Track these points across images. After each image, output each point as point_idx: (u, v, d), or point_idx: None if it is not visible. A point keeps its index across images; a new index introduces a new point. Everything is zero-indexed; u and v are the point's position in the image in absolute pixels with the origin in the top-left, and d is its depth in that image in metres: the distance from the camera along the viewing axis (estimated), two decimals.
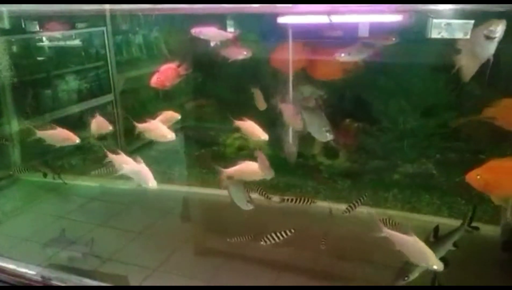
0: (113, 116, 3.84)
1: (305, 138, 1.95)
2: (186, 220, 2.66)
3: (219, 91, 2.51)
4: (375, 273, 2.03)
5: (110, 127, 2.16)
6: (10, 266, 2.05)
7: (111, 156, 1.90)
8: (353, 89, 2.60)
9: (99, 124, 2.19)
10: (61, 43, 3.87)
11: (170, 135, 1.92)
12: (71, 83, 3.75)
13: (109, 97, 3.94)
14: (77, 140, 2.02)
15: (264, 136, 1.92)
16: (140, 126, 2.03)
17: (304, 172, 1.90)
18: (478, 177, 1.54)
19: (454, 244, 1.69)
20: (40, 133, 2.07)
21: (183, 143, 2.47)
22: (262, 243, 1.93)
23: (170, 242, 2.41)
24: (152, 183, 1.74)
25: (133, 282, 2.05)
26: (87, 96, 3.81)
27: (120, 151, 1.89)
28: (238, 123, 1.99)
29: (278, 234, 1.92)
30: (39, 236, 2.42)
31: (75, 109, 3.68)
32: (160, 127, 1.95)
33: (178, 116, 2.15)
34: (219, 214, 2.60)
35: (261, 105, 2.28)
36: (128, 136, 3.49)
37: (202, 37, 1.79)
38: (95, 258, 2.16)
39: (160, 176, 2.64)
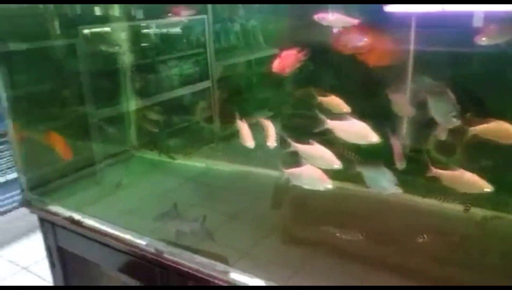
0: (211, 103, 3.99)
1: (419, 132, 1.85)
2: (284, 206, 2.66)
3: (330, 80, 2.46)
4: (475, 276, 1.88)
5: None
6: (127, 236, 2.20)
7: (296, 145, 1.78)
8: (475, 81, 2.42)
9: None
10: (166, 30, 4.07)
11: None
12: (174, 69, 3.94)
13: (207, 84, 4.09)
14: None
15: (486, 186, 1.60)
16: (332, 125, 1.74)
17: (415, 168, 1.80)
18: None
19: None
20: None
21: (290, 131, 2.46)
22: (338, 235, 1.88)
23: (264, 227, 2.41)
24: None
25: (230, 261, 2.07)
26: (187, 82, 3.99)
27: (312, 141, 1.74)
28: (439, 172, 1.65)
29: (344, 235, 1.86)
30: (142, 209, 2.55)
31: (177, 93, 3.87)
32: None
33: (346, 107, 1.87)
34: (320, 203, 2.55)
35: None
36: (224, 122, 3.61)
37: (324, 23, 1.76)
38: (199, 236, 2.21)
39: (263, 163, 2.68)
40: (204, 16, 3.95)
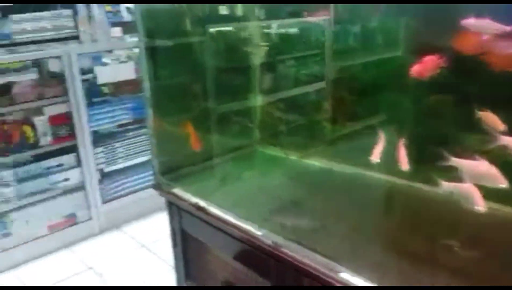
0: (327, 103, 3.99)
1: None
2: (392, 214, 2.55)
3: (468, 88, 2.29)
4: None
5: None
6: (246, 226, 2.31)
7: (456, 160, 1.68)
8: None
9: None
10: (287, 30, 4.17)
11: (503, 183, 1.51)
12: (293, 68, 4.02)
13: (322, 84, 4.09)
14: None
15: None
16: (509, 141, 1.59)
17: None
18: None
19: None
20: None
21: (411, 138, 2.34)
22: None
23: (366, 233, 2.31)
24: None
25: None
26: (305, 81, 4.04)
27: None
28: None
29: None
30: (259, 201, 2.62)
31: (294, 92, 3.95)
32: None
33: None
34: (449, 217, 2.40)
35: None
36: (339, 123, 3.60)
37: (472, 29, 1.67)
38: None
39: (384, 169, 2.61)
40: (326, 18, 3.97)
